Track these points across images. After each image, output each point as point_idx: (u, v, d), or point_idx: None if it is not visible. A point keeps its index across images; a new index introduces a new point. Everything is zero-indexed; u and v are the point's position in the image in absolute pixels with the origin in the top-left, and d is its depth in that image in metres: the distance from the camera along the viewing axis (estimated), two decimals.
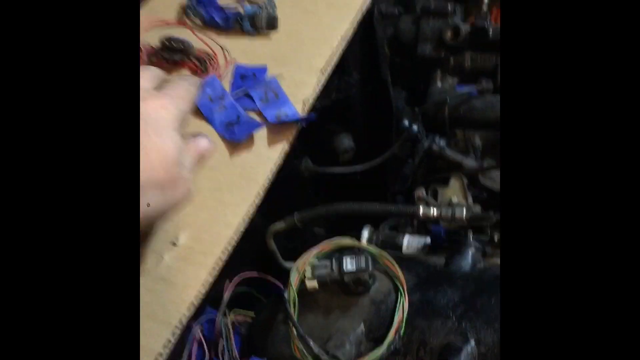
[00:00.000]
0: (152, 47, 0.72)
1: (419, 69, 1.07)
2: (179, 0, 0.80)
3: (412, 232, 0.83)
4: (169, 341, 0.46)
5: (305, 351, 0.60)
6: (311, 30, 0.76)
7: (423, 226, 0.86)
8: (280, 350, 0.62)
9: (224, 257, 0.53)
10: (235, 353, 0.62)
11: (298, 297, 0.63)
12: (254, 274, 0.67)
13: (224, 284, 0.63)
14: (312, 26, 0.77)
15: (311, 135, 0.87)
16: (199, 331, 0.61)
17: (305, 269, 0.65)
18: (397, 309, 0.60)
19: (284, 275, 0.63)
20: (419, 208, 0.71)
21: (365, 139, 0.94)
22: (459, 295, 0.62)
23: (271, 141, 0.63)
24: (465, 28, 0.97)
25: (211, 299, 0.62)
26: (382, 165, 0.94)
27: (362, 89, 0.95)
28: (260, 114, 0.66)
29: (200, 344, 0.61)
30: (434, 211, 0.71)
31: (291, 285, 0.63)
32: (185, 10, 0.78)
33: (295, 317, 0.60)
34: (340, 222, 0.80)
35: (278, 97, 0.67)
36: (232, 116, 0.64)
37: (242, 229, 0.55)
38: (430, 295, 0.63)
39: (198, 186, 0.57)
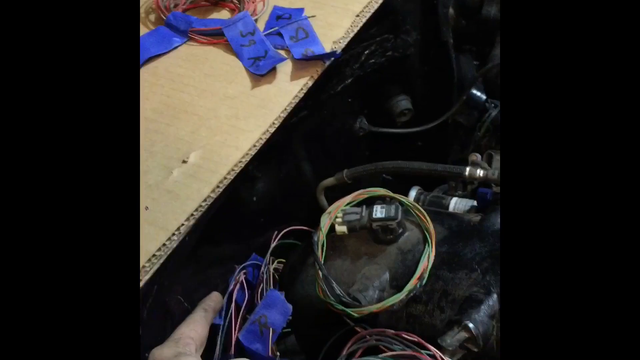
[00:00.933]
0: None
1: (484, 32, 1.04)
2: None
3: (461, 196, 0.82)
4: (164, 245, 0.48)
5: (328, 292, 0.61)
6: None
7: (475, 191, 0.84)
8: (307, 291, 0.63)
9: (230, 177, 0.54)
10: None
11: (329, 242, 0.63)
12: (302, 227, 0.69)
13: (273, 234, 0.66)
14: None
15: (368, 95, 0.88)
16: (242, 273, 0.64)
17: (336, 215, 0.66)
18: (422, 258, 0.59)
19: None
20: (466, 169, 0.70)
21: (424, 103, 0.93)
22: (487, 249, 0.60)
23: (294, 76, 0.63)
24: None
25: (259, 247, 0.66)
26: (442, 132, 0.92)
27: (422, 50, 0.94)
28: (288, 51, 0.66)
29: (242, 286, 0.64)
30: (480, 172, 0.69)
31: (321, 229, 0.64)
32: None
33: (322, 260, 0.61)
34: (391, 184, 0.80)
35: (308, 35, 0.67)
36: (259, 51, 0.66)
37: (252, 153, 0.56)
38: (459, 248, 0.61)
39: (217, 114, 0.59)
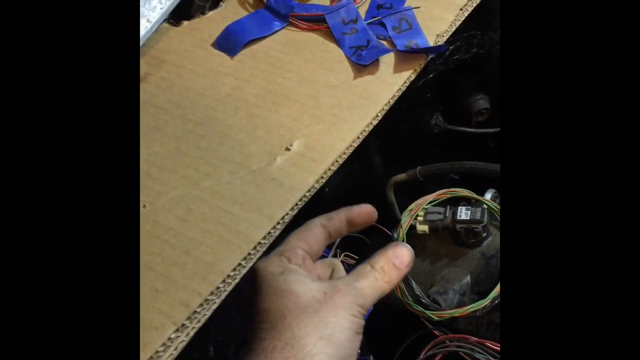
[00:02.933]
0: None
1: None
2: None
3: None
4: (270, 234, 0.47)
5: (406, 291, 0.60)
6: None
7: None
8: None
9: (334, 168, 0.53)
10: None
11: (408, 241, 0.62)
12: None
13: None
14: None
15: (447, 91, 0.86)
16: None
17: (417, 213, 0.64)
18: None
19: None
20: None
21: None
22: None
23: (397, 69, 0.62)
24: None
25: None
26: None
27: (507, 47, 0.91)
28: (390, 42, 0.65)
29: None
30: None
31: (401, 227, 0.63)
32: None
33: None
34: (464, 185, 0.79)
35: (411, 27, 0.65)
36: (361, 40, 0.64)
37: (355, 145, 0.55)
38: None
39: (319, 102, 0.58)
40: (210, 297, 0.43)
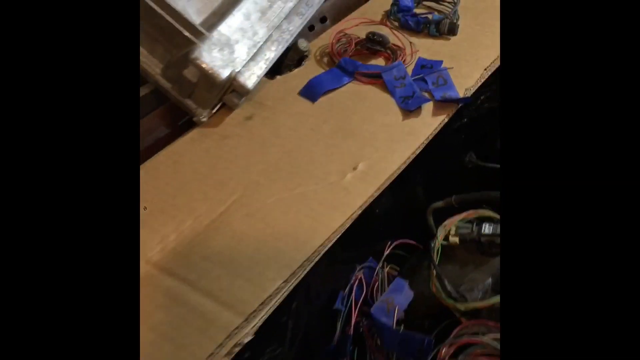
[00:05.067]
0: (359, 38, 0.97)
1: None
2: (384, 7, 1.05)
3: None
4: (342, 225, 0.69)
5: (440, 289, 0.76)
6: (484, 38, 0.97)
7: None
8: (421, 290, 0.77)
9: (387, 182, 0.75)
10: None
11: (442, 250, 0.78)
12: (410, 241, 0.83)
13: (387, 243, 0.81)
14: (486, 35, 0.97)
15: (479, 133, 1.06)
16: (361, 273, 0.80)
17: (450, 228, 0.83)
18: None
19: None
20: None
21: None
22: None
23: (435, 113, 0.84)
24: None
25: (375, 252, 0.82)
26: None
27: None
28: (430, 93, 0.87)
29: (360, 283, 0.78)
30: None
31: (437, 238, 0.80)
32: (387, 15, 1.02)
33: (436, 263, 0.77)
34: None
35: (446, 83, 0.88)
36: (408, 92, 0.87)
37: (403, 167, 0.77)
38: None
39: (377, 136, 0.81)
40: (305, 263, 0.65)
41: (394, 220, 0.89)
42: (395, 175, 0.76)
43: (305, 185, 0.75)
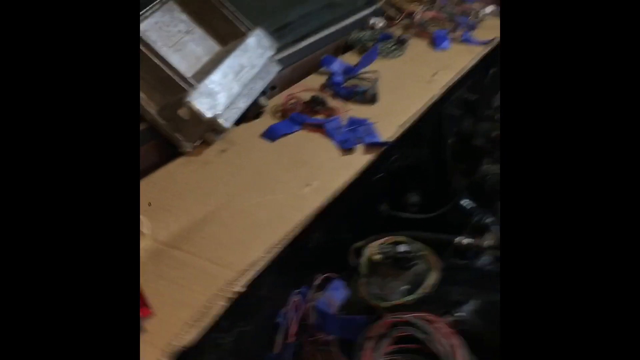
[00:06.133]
0: (304, 101, 1.27)
1: (474, 155, 1.55)
2: (321, 81, 1.36)
3: None
4: (303, 221, 0.95)
5: (368, 292, 1.02)
6: (397, 104, 1.29)
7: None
8: (354, 295, 1.03)
9: (332, 197, 1.02)
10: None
11: (367, 266, 1.03)
12: (335, 275, 1.06)
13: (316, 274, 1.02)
14: (398, 102, 1.30)
15: (391, 188, 1.35)
16: (296, 298, 1.00)
17: (374, 248, 1.10)
18: (428, 278, 1.01)
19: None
20: (454, 238, 1.15)
21: (431, 197, 1.41)
22: (470, 274, 1.06)
23: (365, 152, 1.14)
24: None
25: (308, 281, 1.03)
26: (443, 219, 1.38)
27: (432, 161, 1.44)
28: (360, 139, 1.17)
29: (296, 304, 0.99)
30: (464, 240, 1.15)
31: (364, 255, 1.08)
32: (325, 85, 1.34)
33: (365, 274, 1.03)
34: None
35: (372, 133, 1.18)
36: (345, 137, 1.16)
37: (342, 188, 1.04)
38: (453, 273, 1.05)
39: (323, 165, 1.08)
40: (280, 242, 0.89)
41: (325, 254, 1.11)
42: (337, 193, 1.03)
43: (273, 194, 1.01)
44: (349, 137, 1.16)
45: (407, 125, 1.25)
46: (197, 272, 0.83)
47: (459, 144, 1.61)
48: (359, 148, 1.15)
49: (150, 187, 1.00)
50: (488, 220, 1.39)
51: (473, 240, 1.18)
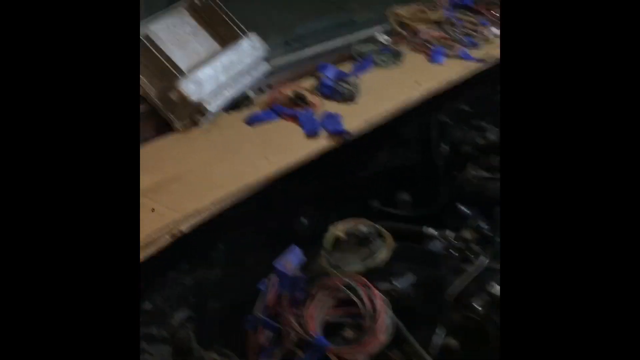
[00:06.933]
0: (288, 95, 1.47)
1: (461, 160, 1.69)
2: (311, 82, 1.57)
3: None
4: (263, 178, 1.15)
5: (326, 262, 1.22)
6: (371, 104, 1.48)
7: None
8: (318, 264, 1.19)
9: (292, 163, 1.21)
10: None
11: (332, 243, 1.21)
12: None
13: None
14: (373, 102, 1.48)
15: (384, 187, 1.52)
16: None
17: (338, 228, 1.28)
18: (379, 253, 1.18)
19: None
20: (424, 228, 1.30)
21: (420, 196, 1.55)
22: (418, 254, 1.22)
23: (327, 139, 1.33)
24: (492, 138, 1.60)
25: None
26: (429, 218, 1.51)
27: (421, 163, 1.60)
28: (325, 127, 1.36)
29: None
30: (431, 231, 1.30)
31: (330, 231, 1.26)
32: (315, 86, 1.54)
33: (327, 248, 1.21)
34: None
35: (338, 123, 1.37)
36: (312, 126, 1.36)
37: (294, 167, 1.23)
38: (404, 253, 1.21)
39: (292, 144, 1.28)
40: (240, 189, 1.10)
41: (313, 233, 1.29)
42: (301, 160, 1.23)
43: (233, 163, 1.22)
44: (316, 126, 1.36)
45: (375, 121, 1.42)
46: (154, 214, 1.05)
47: (448, 149, 1.75)
48: (323, 134, 1.34)
49: (149, 153, 1.23)
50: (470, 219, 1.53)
51: (438, 232, 1.32)
